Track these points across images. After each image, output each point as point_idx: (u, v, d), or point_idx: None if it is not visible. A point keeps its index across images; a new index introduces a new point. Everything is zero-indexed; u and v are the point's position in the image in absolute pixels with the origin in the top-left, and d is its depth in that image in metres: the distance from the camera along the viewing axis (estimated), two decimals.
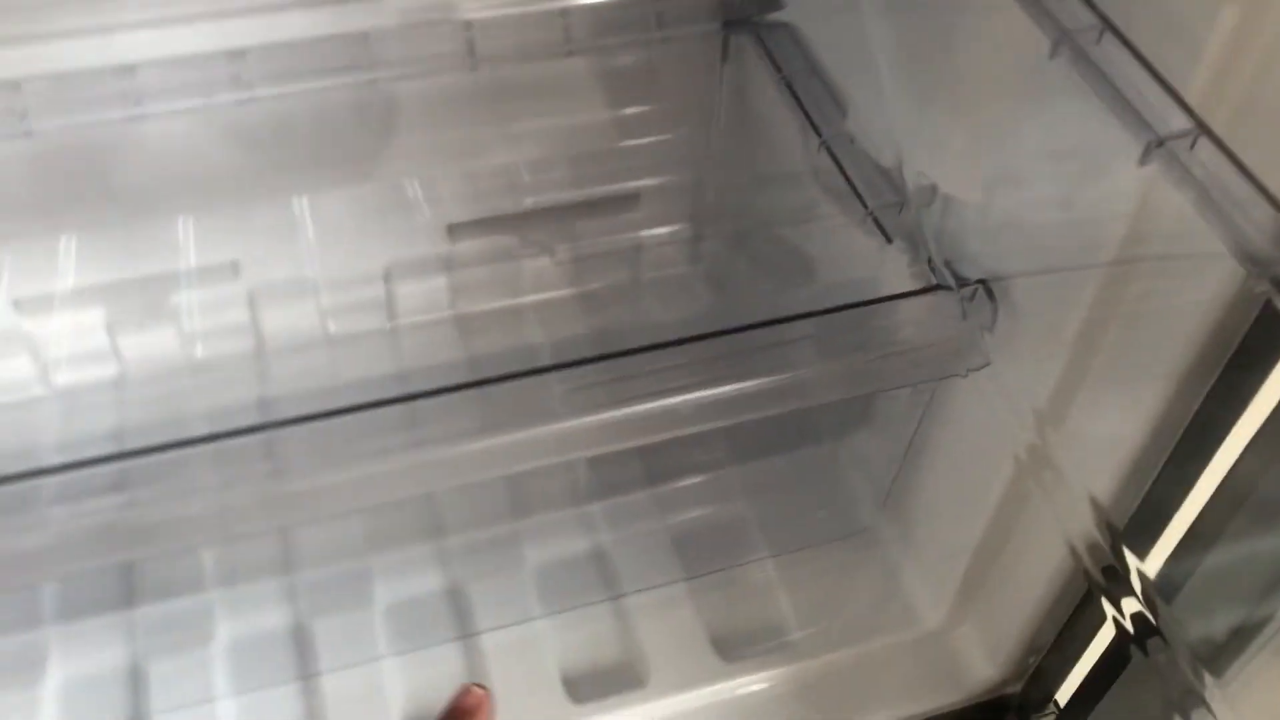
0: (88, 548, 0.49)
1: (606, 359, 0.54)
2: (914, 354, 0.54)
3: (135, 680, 0.65)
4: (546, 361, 0.54)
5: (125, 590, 0.69)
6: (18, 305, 0.75)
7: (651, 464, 0.78)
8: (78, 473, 0.49)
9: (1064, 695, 0.68)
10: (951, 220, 0.56)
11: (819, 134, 0.64)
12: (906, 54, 0.60)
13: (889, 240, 0.58)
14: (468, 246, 0.85)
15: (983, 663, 0.70)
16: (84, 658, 0.66)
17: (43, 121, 0.64)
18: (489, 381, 0.54)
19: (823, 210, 0.68)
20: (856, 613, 0.71)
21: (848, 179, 0.61)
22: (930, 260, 0.56)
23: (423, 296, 0.86)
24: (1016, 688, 0.70)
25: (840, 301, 0.54)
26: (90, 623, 0.68)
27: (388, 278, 0.84)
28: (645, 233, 0.87)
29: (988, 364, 0.54)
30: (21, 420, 0.78)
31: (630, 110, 0.81)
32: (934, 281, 0.54)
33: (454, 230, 0.83)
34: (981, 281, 0.54)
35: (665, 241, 0.88)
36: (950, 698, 0.69)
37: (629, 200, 0.85)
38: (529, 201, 0.84)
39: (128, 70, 0.65)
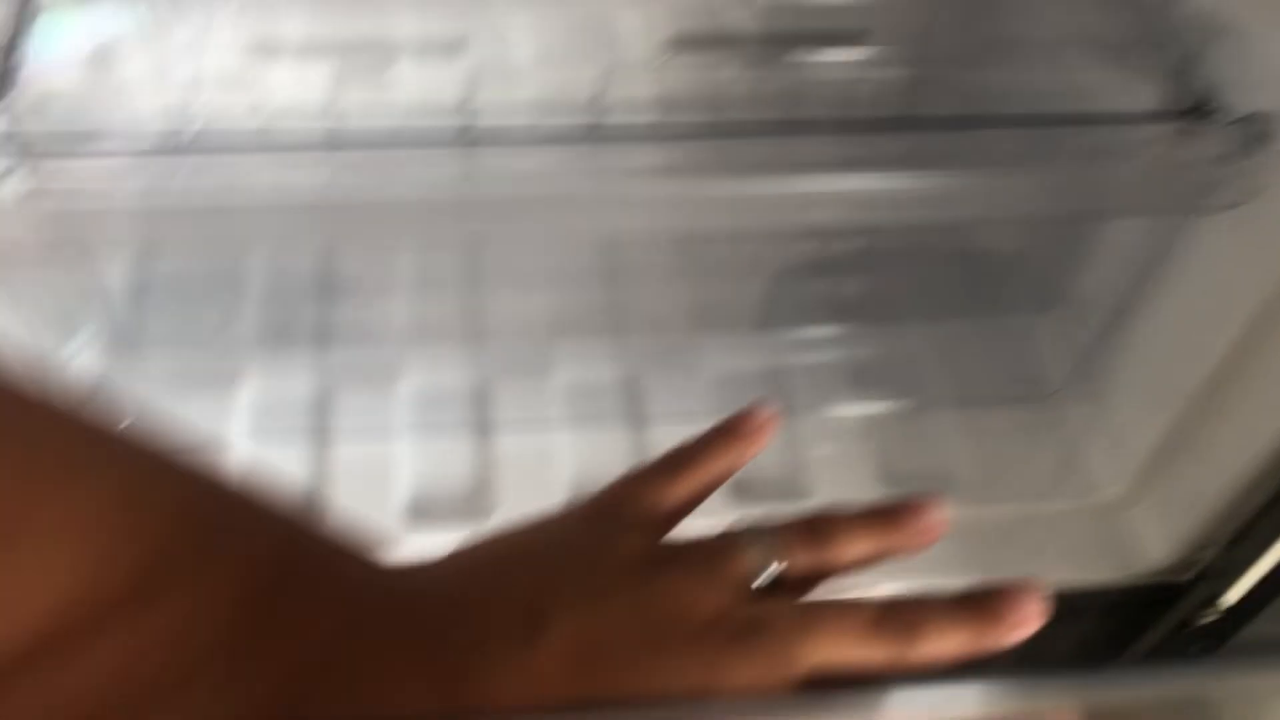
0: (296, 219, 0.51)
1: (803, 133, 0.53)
2: (1155, 181, 0.52)
3: (320, 406, 0.68)
4: None
5: (322, 328, 0.72)
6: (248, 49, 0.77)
7: (843, 304, 0.77)
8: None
9: (1232, 598, 0.65)
10: (1230, 52, 0.53)
11: None
12: None
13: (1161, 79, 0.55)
14: (683, 60, 0.84)
15: (1154, 546, 0.67)
16: (278, 379, 0.69)
17: None
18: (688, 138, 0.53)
19: (1075, 48, 0.65)
20: (1030, 473, 0.70)
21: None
22: (1196, 93, 0.53)
23: (631, 105, 0.85)
24: (1184, 577, 0.67)
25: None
26: (287, 352, 0.71)
27: (602, 79, 0.84)
28: (866, 72, 0.85)
29: (1242, 203, 0.51)
30: (234, 164, 0.81)
31: None
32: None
33: (673, 42, 0.82)
34: (1251, 117, 0.50)
35: (888, 82, 0.85)
36: (1111, 574, 0.67)
37: (855, 35, 0.83)
38: (749, 23, 0.83)
39: None
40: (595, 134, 0.79)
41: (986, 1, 0.79)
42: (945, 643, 0.29)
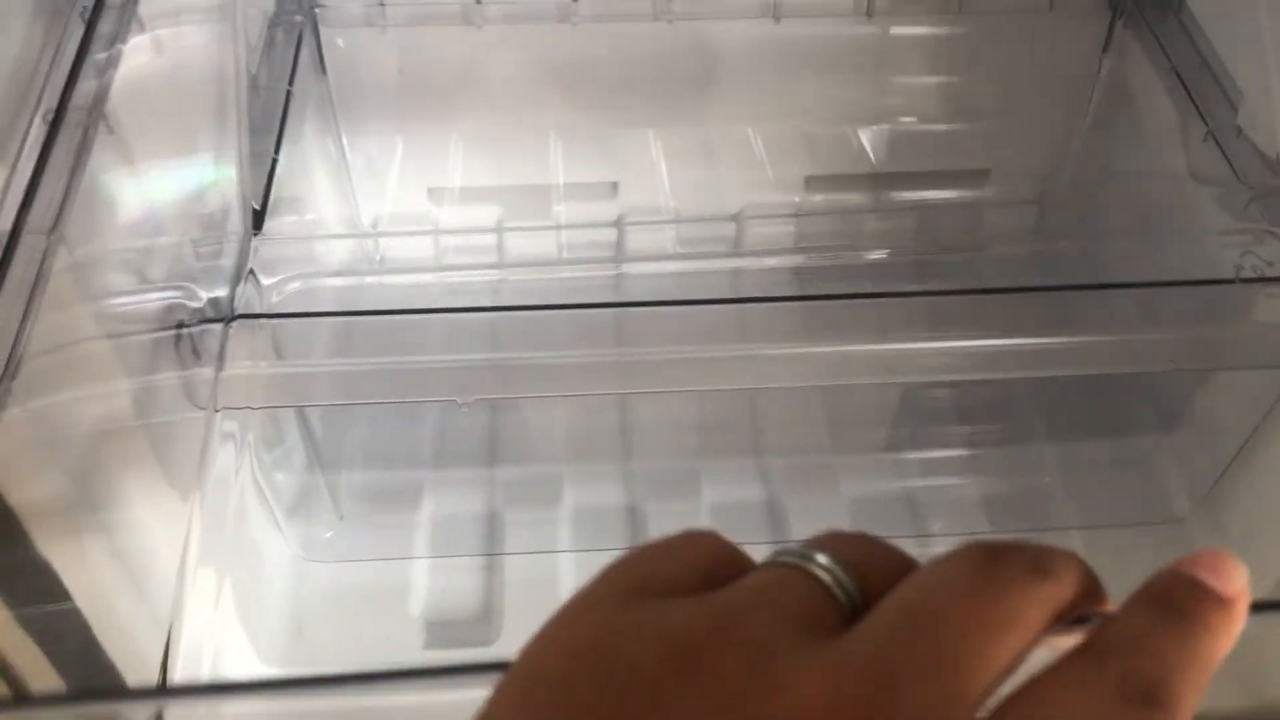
0: (466, 379, 0.58)
1: (928, 294, 0.59)
2: (1269, 337, 0.56)
3: (491, 523, 0.75)
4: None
5: (489, 450, 0.79)
6: (431, 193, 0.86)
7: (970, 428, 0.82)
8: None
9: None
10: None
11: (1206, 123, 0.66)
12: None
13: (1271, 231, 0.59)
14: (817, 200, 0.91)
15: None
16: (453, 498, 0.76)
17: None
18: (815, 298, 0.60)
19: (1195, 204, 0.69)
20: None
21: (1232, 166, 0.63)
22: None
23: (769, 240, 0.92)
24: None
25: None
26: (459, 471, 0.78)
27: (739, 217, 0.91)
28: (990, 210, 0.90)
29: None
30: (414, 295, 0.90)
31: (999, 86, 0.84)
32: None
33: (809, 182, 0.88)
34: None
35: (1010, 221, 0.90)
36: (1241, 700, 0.69)
37: (978, 175, 0.89)
38: (879, 164, 0.89)
39: None
40: (738, 285, 0.87)
41: (1105, 143, 0.85)
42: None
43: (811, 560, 0.22)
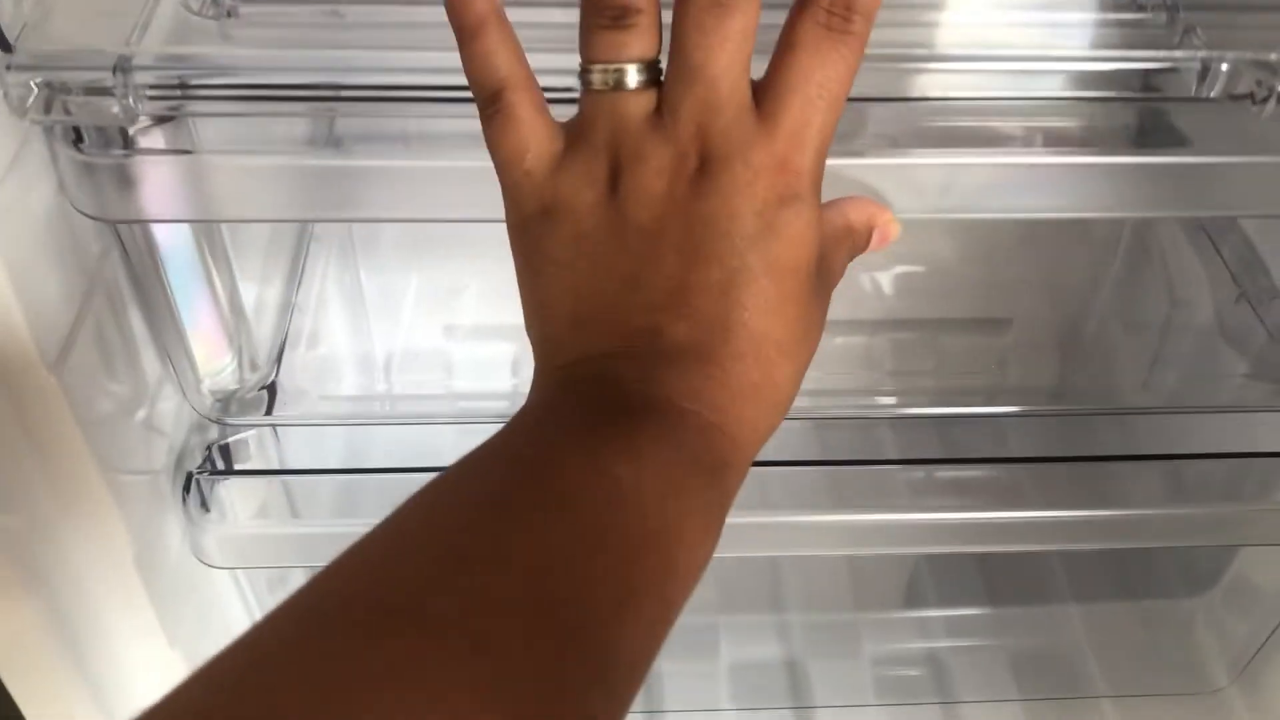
0: None
1: (950, 462, 0.57)
2: None
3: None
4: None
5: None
6: (447, 330, 0.85)
7: (994, 583, 0.79)
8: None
9: None
10: None
11: (1238, 285, 0.65)
12: None
13: None
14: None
15: None
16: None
17: None
18: (836, 463, 0.57)
19: (1226, 369, 0.68)
20: None
21: (1268, 330, 0.61)
22: None
23: None
24: None
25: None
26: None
27: None
28: (1010, 362, 0.89)
29: None
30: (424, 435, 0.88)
31: (1021, 238, 0.84)
32: None
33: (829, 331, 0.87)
34: None
35: (1029, 373, 0.89)
36: None
37: (999, 324, 0.88)
38: (896, 311, 0.88)
39: None
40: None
41: (1131, 293, 0.84)
42: None
43: (624, 74, 0.28)
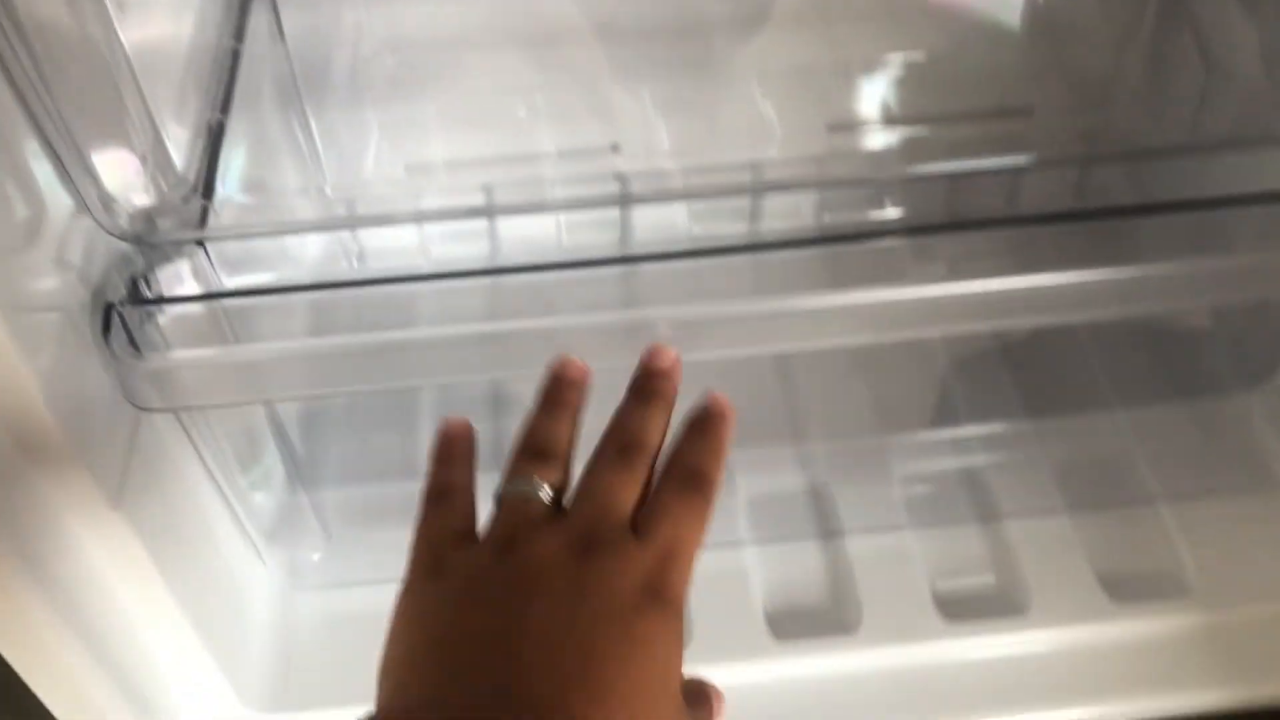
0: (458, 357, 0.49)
1: (959, 227, 0.50)
2: None
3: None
4: None
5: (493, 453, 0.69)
6: (408, 169, 0.77)
7: (1031, 397, 0.73)
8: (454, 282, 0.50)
9: None
10: None
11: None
12: None
13: None
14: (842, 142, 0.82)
15: None
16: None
17: None
18: (837, 239, 0.50)
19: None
20: (1272, 567, 0.63)
21: None
22: None
23: (789, 205, 0.83)
24: None
25: None
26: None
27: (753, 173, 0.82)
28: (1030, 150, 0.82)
29: None
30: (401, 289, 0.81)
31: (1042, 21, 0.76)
32: None
33: (833, 129, 0.79)
34: None
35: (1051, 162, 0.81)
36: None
37: (1020, 112, 0.80)
38: (909, 105, 0.80)
39: None
40: (755, 241, 0.77)
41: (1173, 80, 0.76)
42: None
43: (536, 489, 0.34)
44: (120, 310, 0.43)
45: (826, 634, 0.62)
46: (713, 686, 0.35)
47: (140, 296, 0.44)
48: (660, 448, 0.35)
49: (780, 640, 0.61)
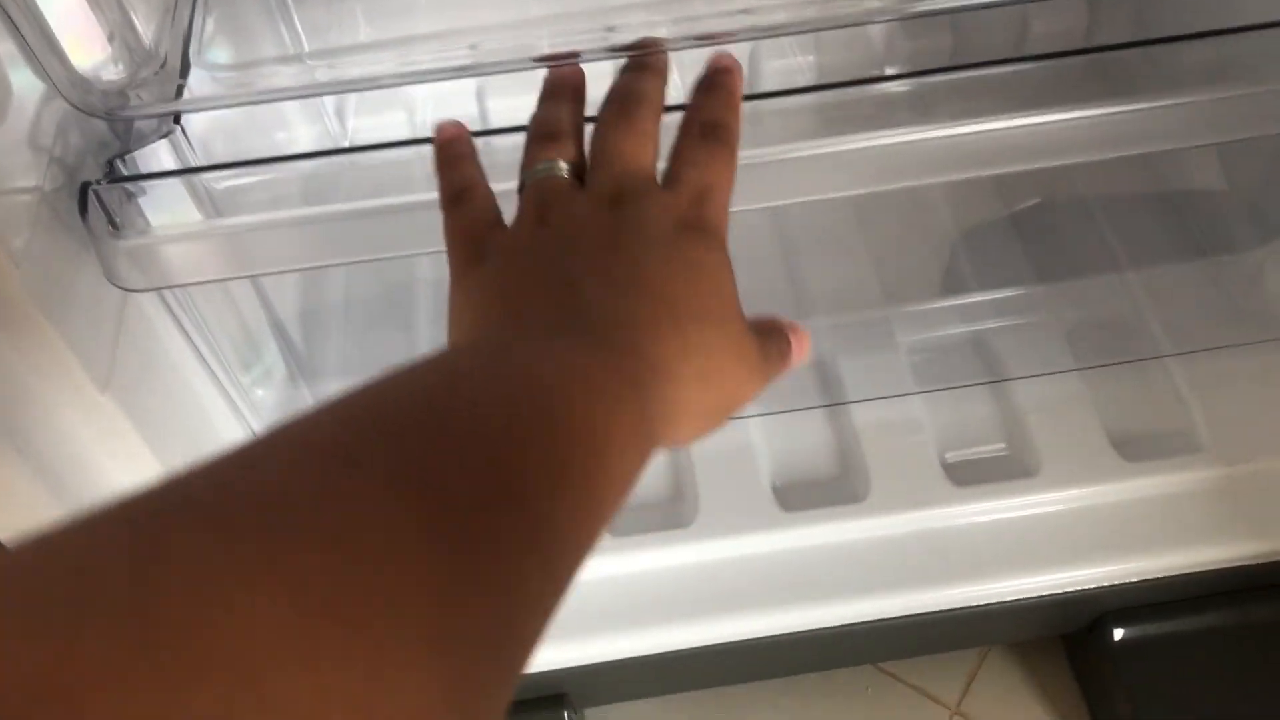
0: None
1: (957, 69, 0.47)
2: None
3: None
4: None
5: None
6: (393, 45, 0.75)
7: (1040, 261, 0.71)
8: None
9: None
10: None
11: None
12: None
13: None
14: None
15: None
16: None
17: None
18: (832, 86, 0.47)
19: None
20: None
21: None
22: None
23: (784, 65, 0.81)
24: None
25: None
26: None
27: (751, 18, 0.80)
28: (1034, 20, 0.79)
29: None
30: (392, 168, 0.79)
31: None
32: None
33: None
34: None
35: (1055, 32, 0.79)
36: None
37: None
38: None
39: None
40: (751, 91, 0.75)
41: None
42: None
43: (555, 167, 0.33)
44: (97, 189, 0.42)
45: (835, 503, 0.61)
46: (789, 323, 0.35)
47: (117, 175, 0.43)
48: (661, 106, 0.34)
49: (789, 511, 0.61)
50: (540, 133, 0.34)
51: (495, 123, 0.82)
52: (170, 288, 0.47)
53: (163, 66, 0.46)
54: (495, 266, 0.31)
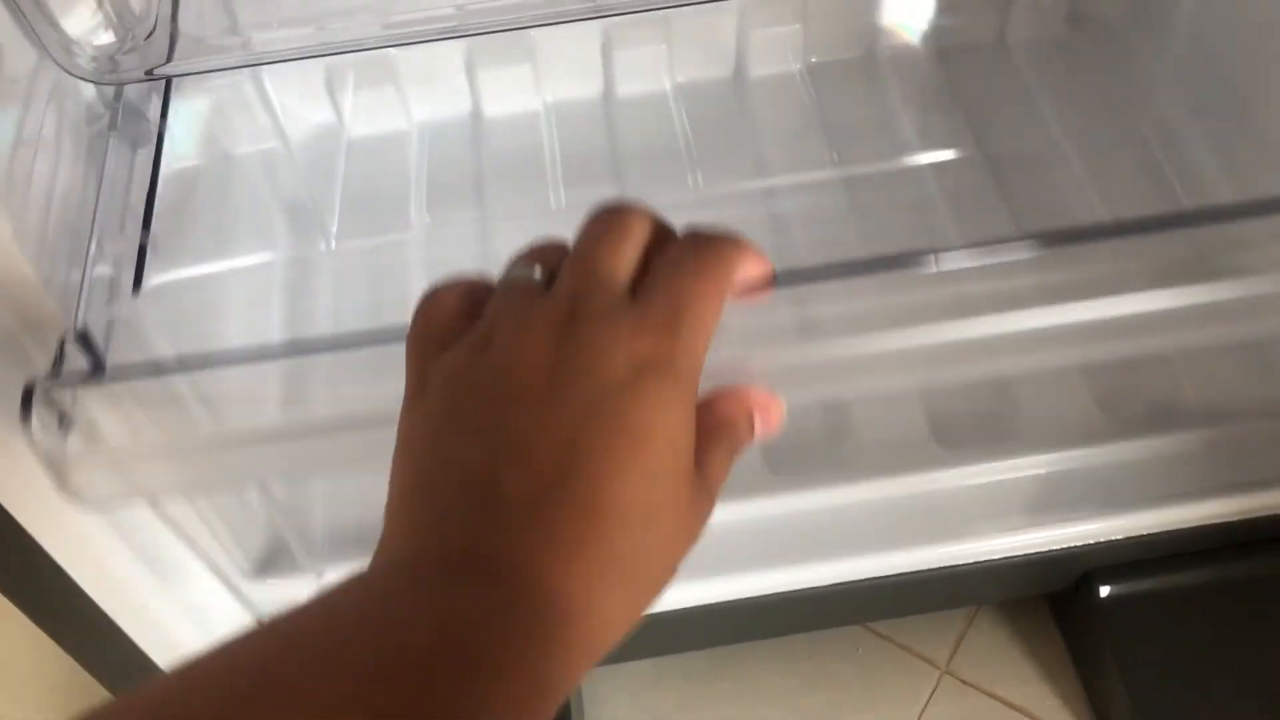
0: None
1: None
2: None
3: None
4: None
5: None
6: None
7: (1026, 222, 0.72)
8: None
9: None
10: None
11: None
12: None
13: None
14: None
15: None
16: None
17: None
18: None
19: None
20: None
21: None
22: None
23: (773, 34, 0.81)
24: None
25: None
26: None
27: None
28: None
29: None
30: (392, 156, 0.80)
31: None
32: None
33: None
34: None
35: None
36: None
37: None
38: None
39: None
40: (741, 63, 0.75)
41: None
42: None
43: (531, 271, 0.30)
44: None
45: (823, 466, 0.62)
46: (758, 397, 0.31)
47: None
48: (648, 238, 0.30)
49: (777, 474, 0.62)
50: (533, 245, 0.31)
51: (485, 97, 0.82)
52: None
53: (152, 33, 0.46)
54: (434, 400, 0.28)
